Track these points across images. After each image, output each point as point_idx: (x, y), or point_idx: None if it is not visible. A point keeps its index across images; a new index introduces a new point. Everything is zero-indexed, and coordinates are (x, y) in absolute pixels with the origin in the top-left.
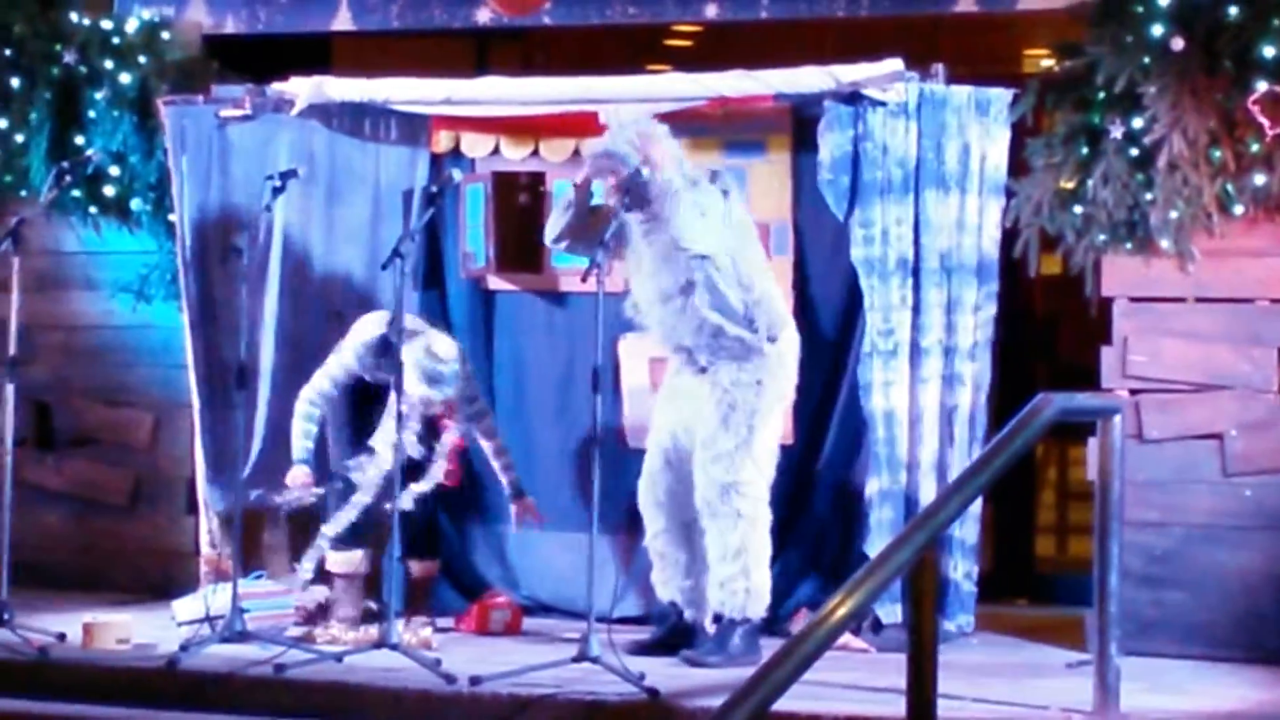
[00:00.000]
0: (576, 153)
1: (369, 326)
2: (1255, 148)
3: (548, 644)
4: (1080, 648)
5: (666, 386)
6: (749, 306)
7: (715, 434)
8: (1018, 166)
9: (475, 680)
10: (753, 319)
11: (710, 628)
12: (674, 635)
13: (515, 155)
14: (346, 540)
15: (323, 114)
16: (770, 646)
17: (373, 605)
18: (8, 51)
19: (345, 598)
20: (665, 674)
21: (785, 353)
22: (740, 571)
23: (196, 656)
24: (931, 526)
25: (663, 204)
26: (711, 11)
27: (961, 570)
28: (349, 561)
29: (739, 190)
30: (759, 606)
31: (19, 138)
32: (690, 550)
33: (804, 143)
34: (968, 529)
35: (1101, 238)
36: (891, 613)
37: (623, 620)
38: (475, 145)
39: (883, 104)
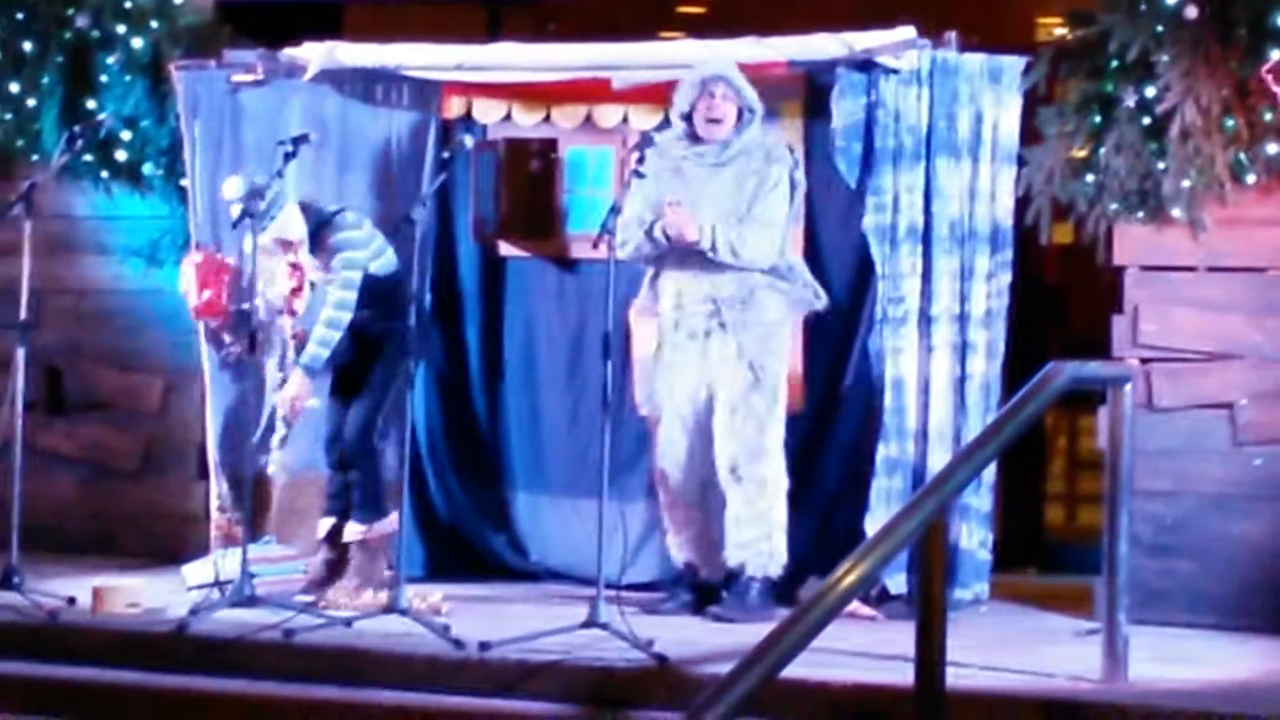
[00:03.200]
0: (588, 119)
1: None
2: (1268, 116)
3: (556, 610)
4: (1089, 616)
5: (680, 351)
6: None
7: (747, 396)
8: (1030, 135)
9: (484, 646)
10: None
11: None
12: (694, 596)
13: (527, 121)
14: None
15: (335, 80)
16: (779, 614)
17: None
18: (20, 15)
19: (363, 564)
20: (673, 640)
21: (796, 323)
22: (764, 534)
23: (206, 621)
24: (941, 494)
25: (753, 153)
26: None
27: (976, 539)
28: (324, 528)
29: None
30: (778, 565)
31: (31, 102)
32: (707, 511)
33: (817, 110)
34: (983, 498)
35: (1113, 206)
36: (899, 583)
37: (632, 586)
38: (487, 111)
39: (895, 71)
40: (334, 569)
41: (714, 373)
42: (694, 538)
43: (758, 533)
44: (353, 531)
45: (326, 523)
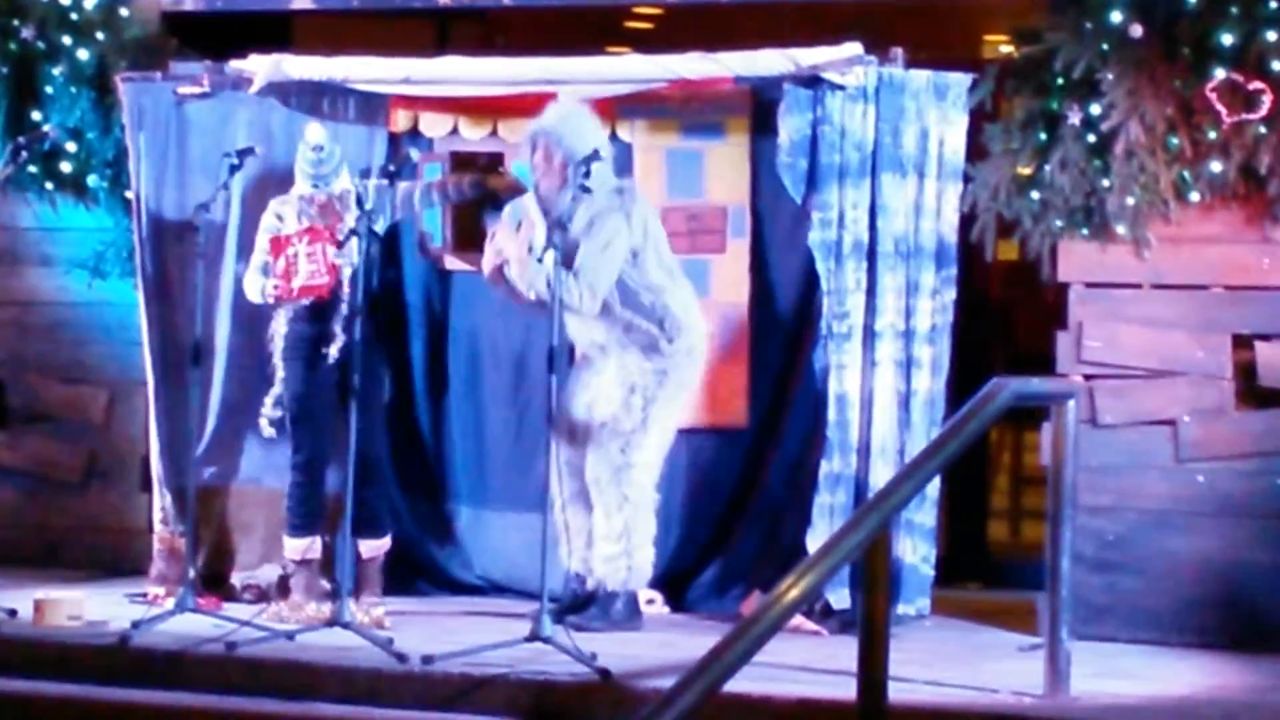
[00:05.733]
0: None
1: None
2: (1212, 135)
3: (501, 623)
4: (1032, 631)
5: (579, 364)
6: (656, 307)
7: (616, 414)
8: (975, 151)
9: (427, 659)
10: (662, 319)
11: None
12: (578, 604)
13: (474, 135)
14: (301, 525)
15: (281, 92)
16: (722, 629)
17: (327, 585)
18: None
19: (301, 583)
20: (617, 654)
21: (694, 347)
22: (624, 551)
23: (148, 634)
24: (885, 509)
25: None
26: None
27: (919, 554)
28: (302, 548)
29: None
30: (640, 579)
31: None
32: (592, 519)
33: (763, 126)
34: (925, 513)
35: (1058, 223)
36: (842, 598)
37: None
38: (434, 125)
39: (841, 88)
40: (310, 587)
41: (597, 389)
42: (580, 547)
43: (618, 550)
44: (373, 547)
45: (301, 543)
